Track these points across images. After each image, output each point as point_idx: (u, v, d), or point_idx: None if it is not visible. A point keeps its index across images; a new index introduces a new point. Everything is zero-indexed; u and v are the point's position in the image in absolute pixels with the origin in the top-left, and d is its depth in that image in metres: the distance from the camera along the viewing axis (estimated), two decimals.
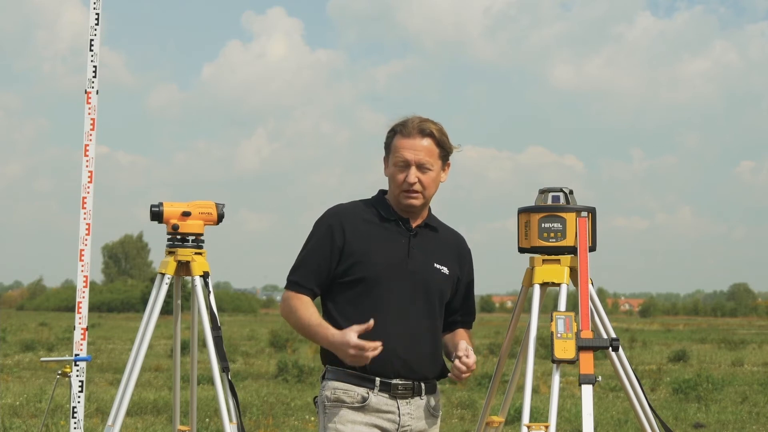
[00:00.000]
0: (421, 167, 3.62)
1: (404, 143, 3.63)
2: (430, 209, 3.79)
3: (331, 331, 3.54)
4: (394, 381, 3.60)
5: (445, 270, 3.71)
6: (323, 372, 3.71)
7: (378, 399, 3.59)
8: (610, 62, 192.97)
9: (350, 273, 3.63)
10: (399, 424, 3.61)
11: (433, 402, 3.71)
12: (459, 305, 3.81)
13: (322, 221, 3.70)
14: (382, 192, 3.78)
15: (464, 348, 3.58)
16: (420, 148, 3.62)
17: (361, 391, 3.59)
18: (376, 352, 3.46)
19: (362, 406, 3.58)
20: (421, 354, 3.61)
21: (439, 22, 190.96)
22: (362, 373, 3.59)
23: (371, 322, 3.47)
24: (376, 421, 3.59)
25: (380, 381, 3.59)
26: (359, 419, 3.58)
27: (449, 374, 3.62)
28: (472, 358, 3.57)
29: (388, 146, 3.71)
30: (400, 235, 3.68)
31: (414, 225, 3.71)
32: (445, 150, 3.68)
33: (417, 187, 3.63)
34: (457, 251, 3.80)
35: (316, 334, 3.58)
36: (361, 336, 3.50)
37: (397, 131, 3.67)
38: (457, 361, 3.56)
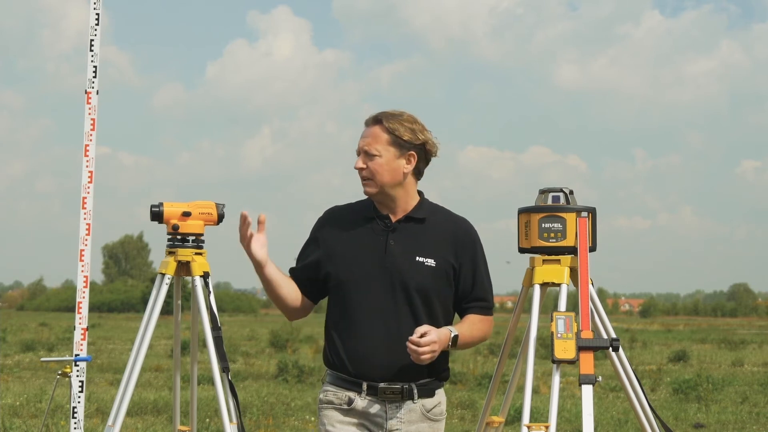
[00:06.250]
0: (367, 153, 3.66)
1: (361, 133, 3.72)
2: (423, 199, 3.76)
3: None
4: (381, 385, 3.58)
5: (430, 262, 3.65)
6: (324, 373, 3.75)
7: (365, 403, 3.59)
8: (614, 62, 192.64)
9: (331, 277, 3.67)
10: (386, 429, 3.59)
11: (430, 405, 3.67)
12: (466, 292, 3.73)
13: (315, 225, 3.80)
14: None
15: (421, 331, 3.48)
16: (367, 134, 3.68)
17: (349, 393, 3.60)
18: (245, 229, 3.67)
19: (349, 409, 3.59)
20: (406, 355, 3.52)
21: (445, 21, 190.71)
22: (349, 377, 3.61)
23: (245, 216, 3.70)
24: (363, 423, 3.61)
25: (367, 385, 3.59)
26: (347, 420, 3.60)
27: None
28: (424, 339, 3.45)
29: None
30: (377, 232, 3.68)
31: (394, 219, 3.69)
32: (395, 137, 3.64)
33: (364, 173, 3.66)
34: (453, 238, 3.72)
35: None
36: (343, 338, 3.64)
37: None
38: (408, 343, 3.47)
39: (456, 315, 3.81)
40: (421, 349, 3.46)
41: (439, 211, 3.77)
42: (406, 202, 3.71)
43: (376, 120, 3.67)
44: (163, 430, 10.34)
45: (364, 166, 3.65)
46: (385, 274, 3.61)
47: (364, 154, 3.66)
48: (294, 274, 3.79)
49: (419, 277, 3.63)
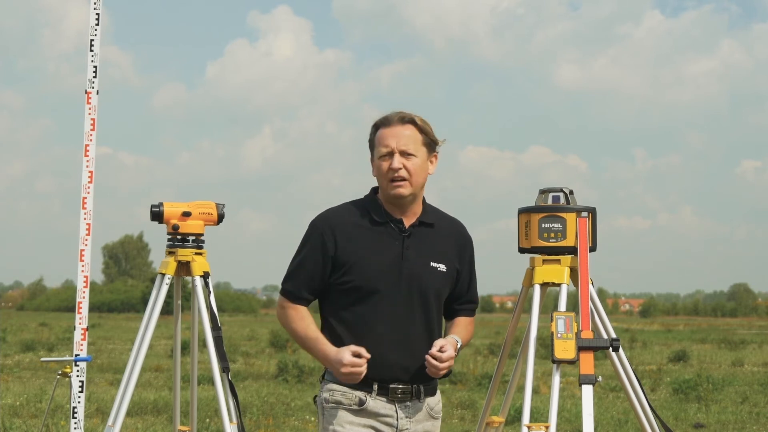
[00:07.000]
0: (405, 153, 3.60)
1: (386, 133, 3.63)
2: (425, 203, 3.75)
3: (327, 348, 3.58)
4: (393, 385, 3.59)
5: (442, 268, 3.67)
6: (323, 372, 3.72)
7: (376, 403, 3.59)
8: (615, 61, 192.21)
9: (345, 281, 3.61)
10: (397, 428, 3.60)
11: (433, 403, 3.70)
12: (461, 294, 3.78)
13: (313, 228, 3.68)
14: (374, 190, 3.74)
15: (439, 344, 3.55)
16: (402, 134, 3.62)
17: (359, 394, 3.59)
18: (363, 369, 3.50)
19: (360, 409, 3.59)
20: (419, 358, 3.58)
21: (445, 21, 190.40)
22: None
23: (367, 354, 3.52)
24: (373, 424, 3.59)
25: (378, 385, 3.59)
26: (357, 420, 3.59)
27: (427, 370, 3.58)
28: (445, 354, 3.54)
29: (372, 142, 3.69)
30: (392, 237, 3.64)
31: (408, 224, 3.68)
32: (429, 138, 3.66)
33: (403, 173, 3.59)
34: (457, 241, 3.76)
35: (313, 348, 3.62)
36: (356, 341, 3.55)
37: (379, 125, 3.68)
38: (429, 358, 3.53)
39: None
40: (442, 365, 3.53)
41: (440, 214, 3.79)
42: (419, 205, 3.72)
43: (409, 120, 3.63)
44: (163, 430, 10.33)
45: (401, 166, 3.61)
46: (402, 280, 3.61)
47: (400, 153, 3.60)
48: (308, 299, 3.69)
49: (435, 283, 3.66)
